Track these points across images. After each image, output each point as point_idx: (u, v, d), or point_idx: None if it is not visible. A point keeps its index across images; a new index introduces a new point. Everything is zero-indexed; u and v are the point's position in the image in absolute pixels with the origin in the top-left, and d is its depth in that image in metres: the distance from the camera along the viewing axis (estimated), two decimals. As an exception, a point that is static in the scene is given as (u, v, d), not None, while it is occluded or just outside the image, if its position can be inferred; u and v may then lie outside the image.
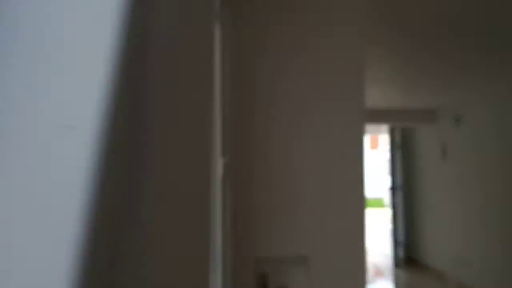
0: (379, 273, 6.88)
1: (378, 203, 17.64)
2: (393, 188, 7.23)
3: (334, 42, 1.86)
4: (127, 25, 0.55)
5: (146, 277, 0.59)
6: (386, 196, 15.16)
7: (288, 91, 1.81)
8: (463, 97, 5.26)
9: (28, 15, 0.47)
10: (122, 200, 0.56)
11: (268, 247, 1.76)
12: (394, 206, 7.30)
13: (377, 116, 6.26)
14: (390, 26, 2.68)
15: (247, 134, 1.76)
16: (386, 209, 15.19)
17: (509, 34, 2.82)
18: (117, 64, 0.52)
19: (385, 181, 15.67)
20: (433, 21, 2.60)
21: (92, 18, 0.51)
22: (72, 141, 0.47)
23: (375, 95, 5.21)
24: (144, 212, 0.60)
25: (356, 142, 1.90)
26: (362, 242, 1.81)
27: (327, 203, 1.81)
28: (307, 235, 1.79)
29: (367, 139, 26.54)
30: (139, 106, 0.61)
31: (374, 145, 22.57)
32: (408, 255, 7.29)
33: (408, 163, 7.36)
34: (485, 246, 4.97)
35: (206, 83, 0.71)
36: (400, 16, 2.51)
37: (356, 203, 1.85)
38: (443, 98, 5.41)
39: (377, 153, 20.98)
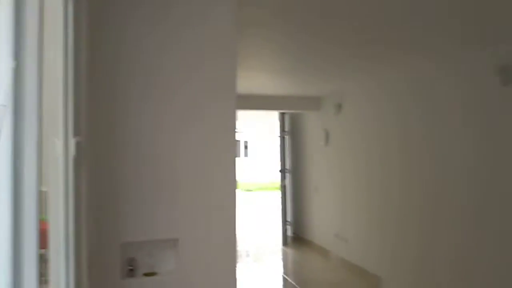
0: (270, 251, 7.21)
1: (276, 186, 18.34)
2: (282, 171, 7.58)
3: (206, 26, 1.88)
4: None
5: None
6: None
7: (154, 68, 1.79)
8: (344, 86, 5.66)
9: None
10: None
11: (136, 232, 1.76)
12: (283, 188, 7.67)
13: (267, 103, 6.49)
14: (274, 16, 2.78)
15: (108, 113, 1.72)
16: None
17: (376, 31, 3.08)
18: None
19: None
20: (314, 14, 2.74)
21: None
22: None
23: (266, 82, 5.38)
24: None
25: (228, 128, 1.95)
26: (233, 224, 1.89)
27: (198, 186, 1.85)
28: (178, 219, 1.81)
29: (265, 125, 27.31)
30: None
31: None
32: (296, 234, 7.73)
33: (296, 147, 7.76)
34: (359, 225, 5.46)
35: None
36: (283, 5, 2.59)
37: (227, 186, 1.91)
38: (327, 86, 5.78)
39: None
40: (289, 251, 7.04)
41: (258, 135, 28.83)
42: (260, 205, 13.53)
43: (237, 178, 1.90)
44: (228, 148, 1.88)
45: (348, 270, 5.63)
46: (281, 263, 6.55)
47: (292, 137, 7.88)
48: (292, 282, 5.37)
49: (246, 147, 29.56)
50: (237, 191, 1.92)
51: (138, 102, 1.76)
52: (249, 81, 5.22)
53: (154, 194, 1.77)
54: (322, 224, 6.65)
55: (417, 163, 4.32)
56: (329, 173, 6.41)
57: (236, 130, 1.90)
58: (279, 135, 7.67)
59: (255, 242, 7.82)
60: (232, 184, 1.88)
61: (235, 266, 1.88)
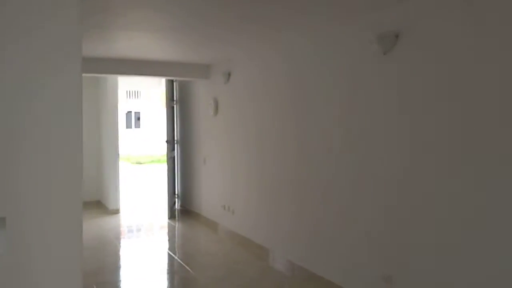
0: (156, 226, 6.87)
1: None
2: (170, 142, 7.21)
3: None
4: None
5: None
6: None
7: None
8: (232, 54, 5.42)
9: None
10: None
11: None
12: (170, 160, 7.32)
13: (152, 69, 6.01)
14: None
15: None
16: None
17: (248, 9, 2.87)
18: None
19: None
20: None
21: None
22: None
23: (150, 45, 4.91)
24: None
25: (71, 94, 1.56)
26: (77, 203, 1.54)
27: (31, 157, 1.46)
28: (5, 193, 1.42)
29: (158, 95, 26.35)
30: None
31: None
32: (183, 207, 7.48)
33: (185, 117, 7.42)
34: (246, 196, 5.37)
35: None
36: None
37: (70, 156, 1.54)
38: (216, 54, 5.48)
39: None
40: (176, 224, 6.77)
41: (151, 106, 27.79)
42: (150, 179, 13.01)
43: (81, 148, 1.54)
44: (68, 115, 1.51)
45: (236, 242, 5.54)
46: (166, 238, 6.26)
47: (181, 107, 7.51)
48: (175, 257, 5.12)
49: (138, 118, 28.37)
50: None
51: None
52: (129, 43, 4.71)
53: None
54: (210, 196, 6.47)
55: (302, 132, 4.28)
56: (217, 144, 6.21)
57: (80, 100, 1.54)
58: (166, 104, 7.24)
59: (141, 217, 7.41)
60: (76, 156, 1.53)
61: (80, 249, 1.55)
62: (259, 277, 4.38)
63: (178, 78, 6.97)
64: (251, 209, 5.29)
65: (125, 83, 23.78)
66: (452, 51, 2.76)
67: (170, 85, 7.32)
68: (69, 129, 1.53)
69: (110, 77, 7.45)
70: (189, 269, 4.61)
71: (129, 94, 27.27)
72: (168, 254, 5.41)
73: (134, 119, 27.81)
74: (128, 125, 27.56)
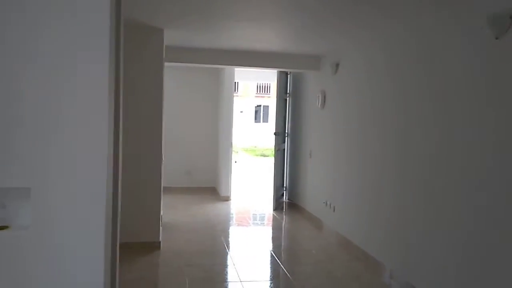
0: (261, 216, 6.97)
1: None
2: (278, 134, 7.21)
3: None
4: None
5: None
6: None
7: None
8: (342, 43, 5.17)
9: None
10: None
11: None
12: (279, 153, 7.33)
13: (264, 60, 6.05)
14: None
15: None
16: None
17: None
18: None
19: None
20: None
21: None
22: None
23: (262, 37, 4.94)
24: None
25: (98, 83, 1.59)
26: (101, 177, 1.57)
27: (55, 129, 1.53)
28: (31, 164, 1.51)
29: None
30: None
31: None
32: (290, 200, 7.44)
33: (295, 109, 7.36)
34: (348, 193, 5.09)
35: None
36: None
37: (95, 133, 1.58)
38: (325, 44, 5.29)
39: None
40: (280, 216, 6.76)
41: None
42: (269, 170, 13.25)
43: (107, 122, 1.57)
44: (99, 86, 1.54)
45: (334, 240, 5.31)
46: (266, 229, 6.29)
47: (293, 99, 7.46)
48: (271, 249, 5.11)
49: (268, 112, 29.18)
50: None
51: None
52: (239, 33, 4.79)
53: (3, 135, 1.47)
54: (314, 191, 6.31)
55: (414, 126, 3.88)
56: (322, 137, 6.02)
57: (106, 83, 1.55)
58: (277, 96, 7.24)
59: (249, 205, 7.58)
60: (101, 130, 1.55)
61: (102, 223, 1.58)
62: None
63: (289, 70, 6.92)
64: (350, 208, 5.00)
65: (255, 77, 24.63)
66: None
67: (283, 77, 7.31)
68: (94, 107, 1.56)
69: (227, 70, 7.73)
70: (286, 272, 4.55)
71: (259, 88, 28.20)
72: (264, 245, 5.41)
73: (263, 113, 28.67)
74: (257, 119, 28.54)
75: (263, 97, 28.58)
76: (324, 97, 5.95)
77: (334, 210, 5.46)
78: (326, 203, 5.69)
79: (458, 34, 3.20)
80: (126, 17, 3.38)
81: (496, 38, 2.73)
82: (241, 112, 26.60)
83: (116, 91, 1.79)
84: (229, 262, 4.60)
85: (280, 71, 7.13)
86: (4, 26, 1.47)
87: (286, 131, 7.54)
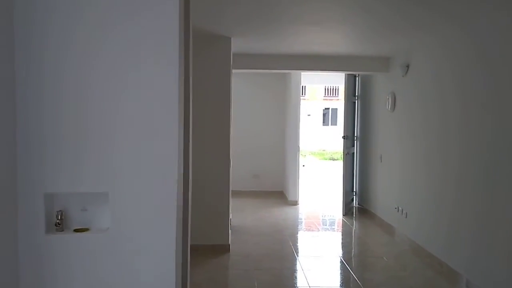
0: (329, 221, 6.87)
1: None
2: (346, 138, 7.08)
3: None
4: None
5: None
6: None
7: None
8: (412, 45, 4.99)
9: None
10: None
11: (61, 182, 1.59)
12: (348, 156, 7.19)
13: (332, 64, 5.99)
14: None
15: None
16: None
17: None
18: None
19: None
20: None
21: None
22: None
23: (329, 40, 4.91)
24: None
25: (168, 91, 1.67)
26: (172, 180, 1.65)
27: (131, 137, 1.62)
28: (108, 170, 1.62)
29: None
30: None
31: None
32: (360, 205, 7.27)
33: (363, 112, 7.18)
34: (420, 198, 4.88)
35: None
36: None
37: (167, 140, 1.66)
38: (395, 44, 5.13)
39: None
40: (350, 222, 6.62)
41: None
42: (337, 174, 13.03)
43: (176, 129, 1.63)
44: (169, 94, 1.62)
45: (406, 247, 5.10)
46: (335, 235, 6.19)
47: (361, 102, 7.30)
48: (341, 257, 5.02)
49: (336, 115, 28.73)
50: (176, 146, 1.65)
51: (59, 42, 1.56)
52: (303, 38, 4.79)
53: (81, 143, 1.59)
54: (385, 197, 6.11)
55: (479, 130, 3.65)
56: (393, 141, 5.81)
57: (176, 93, 1.62)
58: (346, 99, 7.12)
59: (317, 210, 7.51)
60: (172, 135, 1.63)
61: (174, 226, 1.65)
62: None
63: (357, 72, 6.78)
64: (422, 214, 4.78)
65: (322, 81, 24.39)
66: None
67: (351, 80, 7.17)
68: (165, 116, 1.63)
69: (294, 74, 7.73)
70: (356, 278, 4.47)
71: (327, 91, 27.87)
72: (333, 250, 5.33)
73: (332, 116, 28.27)
74: (326, 122, 28.19)
75: (331, 99, 28.19)
76: (394, 99, 5.75)
77: (406, 216, 5.25)
78: (398, 209, 5.49)
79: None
80: (194, 26, 3.50)
81: None
82: (308, 115, 26.43)
83: (186, 100, 1.87)
84: (297, 267, 4.58)
85: (348, 74, 7.00)
86: (84, 47, 1.59)
87: (355, 134, 7.39)
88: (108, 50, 1.59)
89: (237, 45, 5.13)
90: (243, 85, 8.21)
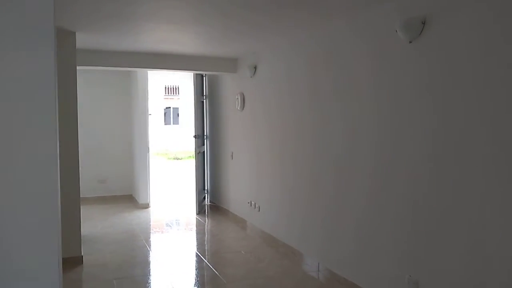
0: (184, 221, 6.86)
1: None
2: (198, 137, 7.16)
3: None
4: None
5: None
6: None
7: None
8: (259, 46, 5.28)
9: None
10: None
11: None
12: (199, 155, 7.28)
13: (181, 62, 5.96)
14: None
15: None
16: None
17: None
18: None
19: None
20: None
21: None
22: None
23: (179, 39, 4.84)
24: None
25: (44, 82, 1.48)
26: (45, 189, 1.45)
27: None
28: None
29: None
30: None
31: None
32: (212, 202, 7.43)
33: (213, 112, 7.36)
34: (271, 192, 5.22)
35: None
36: None
37: (36, 148, 1.46)
38: (243, 46, 5.35)
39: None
40: (204, 220, 6.72)
41: (190, 102, 28.02)
42: (185, 174, 13.09)
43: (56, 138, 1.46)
44: (35, 98, 1.43)
45: (260, 239, 5.42)
46: (191, 233, 6.22)
47: (210, 101, 7.45)
48: (199, 253, 5.06)
49: (177, 114, 28.73)
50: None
51: None
52: (155, 35, 4.66)
53: None
54: (237, 192, 6.37)
55: (328, 126, 4.08)
56: (244, 138, 6.10)
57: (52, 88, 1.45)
58: (195, 98, 7.19)
59: (170, 212, 7.42)
60: (49, 142, 1.44)
61: (56, 241, 1.47)
62: (293, 284, 4.23)
63: (205, 72, 6.90)
64: (275, 205, 5.14)
65: (163, 79, 24.16)
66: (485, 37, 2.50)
67: (199, 79, 7.26)
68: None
69: (140, 72, 7.48)
70: (214, 270, 4.53)
71: (167, 90, 27.66)
72: (192, 250, 5.35)
73: (173, 115, 28.18)
74: (167, 121, 27.97)
75: (172, 98, 28.08)
76: (244, 98, 6.03)
77: (259, 210, 5.56)
78: (251, 203, 5.78)
79: (370, 37, 3.45)
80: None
81: (410, 42, 2.99)
82: (150, 114, 25.87)
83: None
84: (159, 271, 4.47)
85: (197, 74, 7.08)
86: None
87: (205, 133, 7.51)
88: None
89: (83, 40, 4.74)
90: (83, 84, 7.60)
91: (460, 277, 2.69)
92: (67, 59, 4.46)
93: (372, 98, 3.46)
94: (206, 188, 7.57)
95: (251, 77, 5.70)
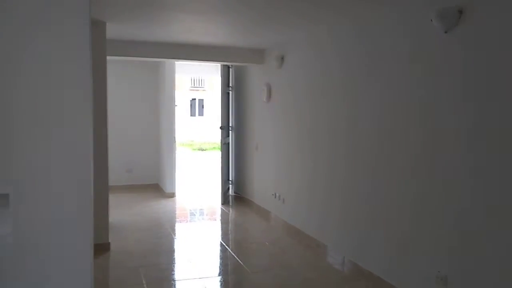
0: (209, 211, 6.91)
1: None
2: (224, 128, 7.18)
3: None
4: None
5: None
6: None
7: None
8: (287, 37, 5.23)
9: None
10: None
11: None
12: (225, 146, 7.30)
13: (207, 53, 5.97)
14: None
15: None
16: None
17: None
18: None
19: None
20: None
21: None
22: None
23: (204, 29, 4.84)
24: None
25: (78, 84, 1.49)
26: (80, 177, 1.47)
27: (34, 134, 1.41)
28: (7, 170, 1.38)
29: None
30: None
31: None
32: (237, 193, 7.46)
33: (239, 103, 7.36)
34: (298, 185, 5.19)
35: None
36: None
37: (72, 136, 1.48)
38: (270, 37, 5.31)
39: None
40: (228, 210, 6.75)
41: (215, 93, 28.15)
42: (210, 164, 13.19)
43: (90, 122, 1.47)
44: (72, 87, 1.44)
45: (284, 231, 5.41)
46: (216, 223, 6.26)
47: (236, 93, 7.45)
48: (223, 243, 5.09)
49: (202, 106, 28.92)
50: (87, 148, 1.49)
51: None
52: (182, 26, 4.67)
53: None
54: (262, 184, 6.37)
55: (361, 119, 4.02)
56: (269, 130, 6.08)
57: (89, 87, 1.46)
58: (222, 90, 7.20)
59: (195, 201, 7.49)
60: (84, 130, 1.46)
61: (89, 228, 1.49)
62: (315, 275, 4.22)
63: (232, 63, 6.89)
64: (301, 198, 5.11)
65: (189, 71, 24.28)
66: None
67: (226, 71, 7.26)
68: (72, 100, 1.47)
69: (167, 63, 7.54)
70: (238, 260, 4.55)
71: (193, 81, 27.84)
72: (217, 240, 5.39)
73: (198, 106, 28.37)
74: (193, 113, 28.19)
75: (198, 90, 28.27)
76: (270, 90, 6.00)
77: (283, 202, 5.54)
78: (275, 195, 5.77)
79: (407, 28, 3.36)
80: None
81: (445, 32, 2.90)
82: (176, 105, 26.13)
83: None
84: (184, 259, 4.52)
85: (223, 65, 7.08)
86: None
87: (230, 125, 7.53)
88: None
89: (111, 30, 4.80)
90: (112, 74, 7.71)
91: (493, 277, 2.61)
92: (97, 49, 4.51)
93: (407, 89, 3.37)
94: (230, 179, 7.59)
95: (277, 68, 5.66)
